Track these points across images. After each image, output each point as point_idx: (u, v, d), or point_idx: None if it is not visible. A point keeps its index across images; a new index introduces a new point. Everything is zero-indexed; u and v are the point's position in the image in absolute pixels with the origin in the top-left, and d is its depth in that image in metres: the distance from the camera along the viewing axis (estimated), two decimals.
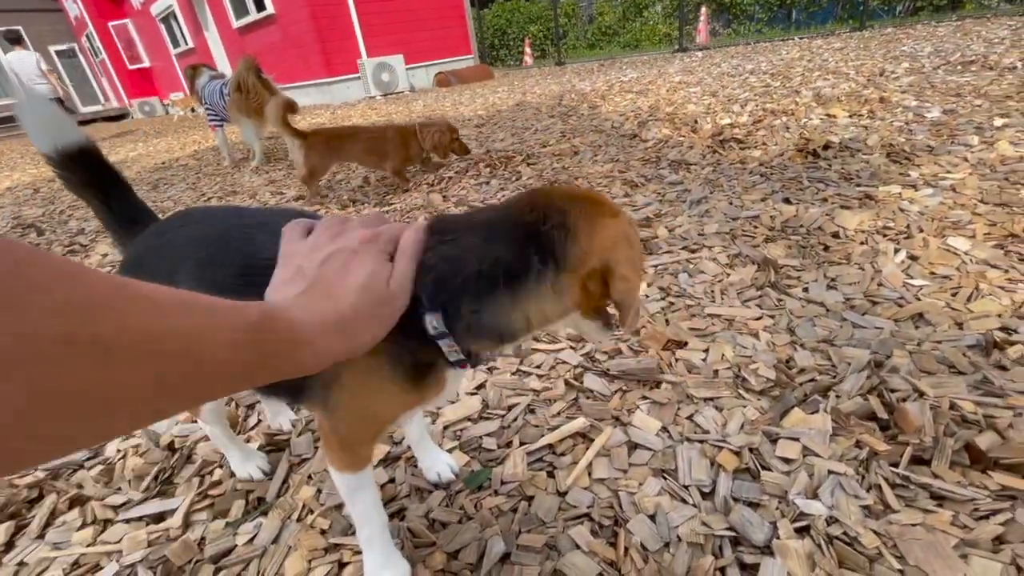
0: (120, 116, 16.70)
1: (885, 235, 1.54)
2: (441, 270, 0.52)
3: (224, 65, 11.86)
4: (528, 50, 12.59)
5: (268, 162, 4.30)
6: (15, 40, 9.20)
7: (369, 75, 9.72)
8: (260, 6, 9.96)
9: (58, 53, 18.66)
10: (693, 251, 1.66)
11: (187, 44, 13.67)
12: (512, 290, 0.52)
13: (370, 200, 2.83)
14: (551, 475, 0.96)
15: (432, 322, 0.53)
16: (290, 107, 2.88)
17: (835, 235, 1.60)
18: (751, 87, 4.00)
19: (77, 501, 1.04)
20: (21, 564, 0.92)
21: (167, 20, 14.09)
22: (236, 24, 10.82)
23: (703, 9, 10.19)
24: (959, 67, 3.48)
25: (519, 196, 0.57)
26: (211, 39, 12.32)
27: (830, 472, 0.85)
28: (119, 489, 1.07)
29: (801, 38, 7.82)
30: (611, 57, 10.67)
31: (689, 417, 1.02)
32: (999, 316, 1.14)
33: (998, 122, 2.23)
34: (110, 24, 16.51)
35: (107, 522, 0.99)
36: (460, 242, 0.53)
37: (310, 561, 0.86)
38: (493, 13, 14.31)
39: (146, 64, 16.99)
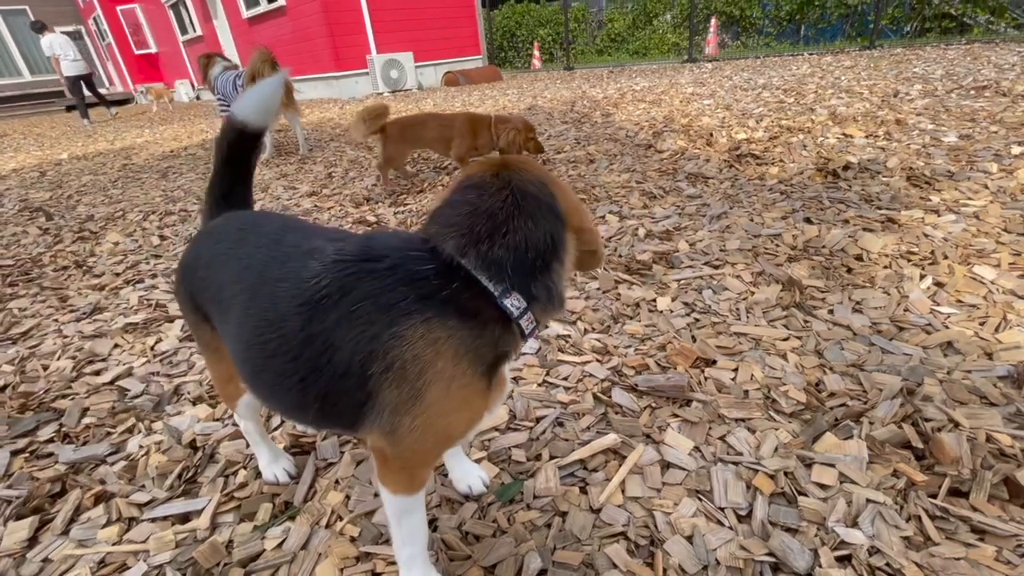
0: (124, 101, 16.59)
1: (910, 260, 1.55)
2: (499, 255, 0.58)
3: (232, 54, 11.82)
4: (537, 53, 12.60)
5: (279, 155, 4.28)
6: (42, 28, 9.76)
7: (378, 71, 9.70)
8: None
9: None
10: (716, 267, 1.66)
11: (195, 32, 13.61)
12: (560, 259, 0.63)
13: (384, 200, 2.82)
14: (584, 491, 0.95)
15: (513, 302, 0.59)
16: (379, 114, 2.88)
17: (858, 257, 1.61)
18: (765, 102, 4.02)
19: (101, 497, 1.03)
20: (46, 561, 0.91)
21: (176, 7, 14.03)
22: (246, 14, 10.78)
23: (713, 20, 10.23)
24: (972, 92, 3.50)
25: (502, 176, 0.62)
26: (220, 28, 12.27)
27: (869, 501, 0.85)
28: (143, 486, 1.06)
29: (811, 54, 7.86)
30: (620, 64, 10.69)
31: (722, 438, 1.02)
32: None
33: (1016, 150, 2.25)
34: (118, 8, 16.42)
35: (132, 520, 0.98)
36: (503, 226, 0.59)
37: (342, 570, 0.85)
38: (503, 14, 14.32)
39: (153, 50, 16.90)
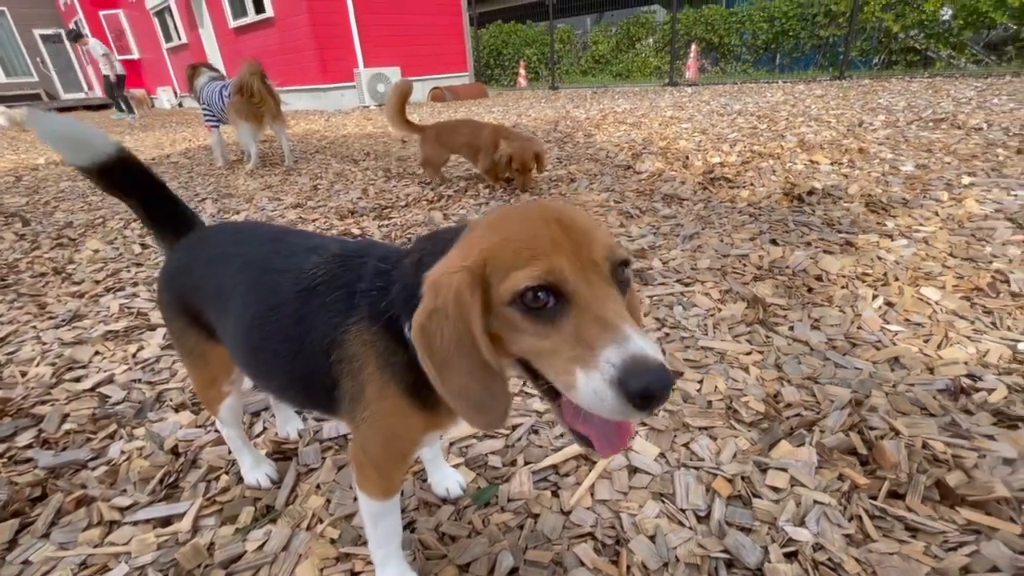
0: (104, 106, 16.34)
1: (864, 281, 1.66)
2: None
3: (217, 63, 11.80)
4: (523, 72, 12.86)
5: (264, 166, 4.30)
6: (78, 36, 10.72)
7: (364, 84, 9.79)
8: (259, 8, 9.98)
9: (43, 37, 18.24)
10: (687, 285, 1.75)
11: (180, 39, 13.55)
12: None
13: (369, 213, 2.86)
14: (555, 494, 1.01)
15: (407, 328, 0.58)
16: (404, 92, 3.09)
17: (818, 278, 1.71)
18: (739, 128, 4.19)
19: (83, 501, 1.04)
20: (26, 563, 0.92)
21: (161, 14, 13.96)
22: (233, 24, 10.80)
23: (693, 46, 10.60)
24: (930, 123, 3.72)
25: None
26: (206, 36, 12.25)
27: (815, 502, 0.92)
28: (125, 491, 1.08)
29: (785, 82, 8.21)
30: (603, 85, 10.97)
31: (685, 445, 1.09)
32: (965, 364, 1.25)
33: (965, 180, 2.41)
34: (101, 13, 16.26)
35: (114, 523, 1.00)
36: (427, 260, 0.60)
37: (322, 570, 0.89)
38: (490, 33, 14.60)
39: (136, 56, 16.73)
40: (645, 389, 0.44)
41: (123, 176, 0.86)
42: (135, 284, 2.12)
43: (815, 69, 10.18)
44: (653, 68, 12.79)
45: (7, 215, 3.25)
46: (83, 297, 2.02)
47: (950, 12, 8.48)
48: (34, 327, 1.79)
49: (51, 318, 1.85)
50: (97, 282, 2.16)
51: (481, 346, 0.50)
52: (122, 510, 1.03)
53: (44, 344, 1.67)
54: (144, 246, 2.58)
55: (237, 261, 0.78)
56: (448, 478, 1.02)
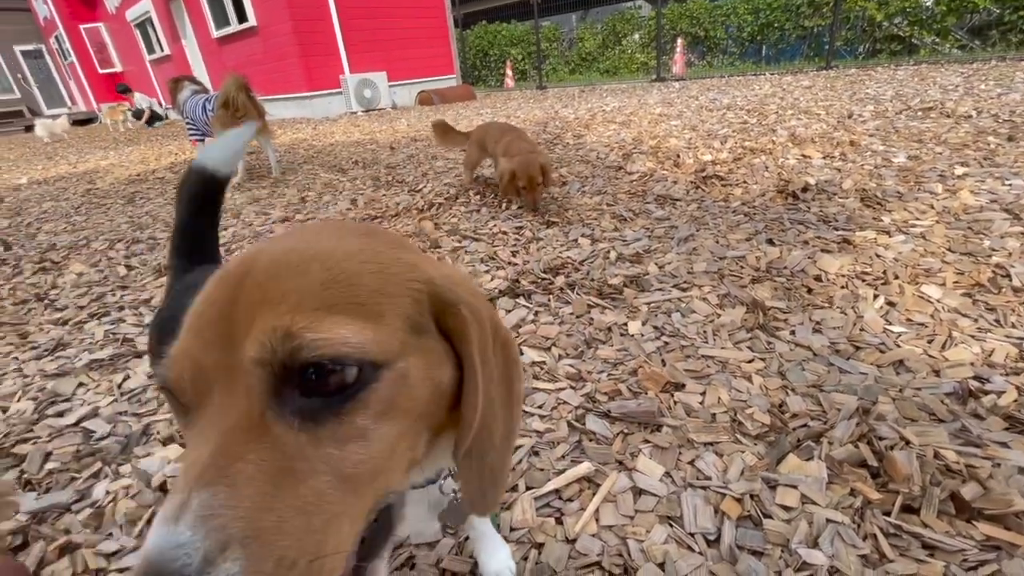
0: (88, 120, 16.17)
1: (864, 280, 1.63)
2: None
3: (201, 73, 11.69)
4: (510, 72, 12.82)
5: (250, 179, 4.24)
6: (127, 90, 13.05)
7: (351, 91, 9.72)
8: (242, 17, 9.89)
9: (24, 53, 18.04)
10: (684, 290, 1.72)
11: (163, 51, 13.42)
12: None
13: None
14: (559, 521, 0.97)
15: None
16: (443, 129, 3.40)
17: (817, 278, 1.68)
18: (729, 123, 4.17)
19: (66, 549, 1.00)
20: None
21: (143, 26, 13.82)
22: (216, 34, 10.70)
23: (679, 41, 10.60)
24: (919, 113, 3.71)
25: None
26: (188, 47, 12.13)
27: (828, 521, 0.89)
28: (110, 535, 1.03)
29: (772, 73, 8.21)
30: (591, 83, 10.95)
31: (691, 462, 1.06)
32: (972, 365, 1.22)
33: (959, 171, 2.39)
34: (82, 27, 16.09)
35: (100, 572, 0.95)
36: None
37: None
38: (476, 34, 14.55)
39: (118, 69, 16.57)
40: None
41: (216, 192, 0.89)
42: (120, 308, 2.07)
43: (801, 60, 10.20)
44: (640, 64, 12.79)
45: None
46: (67, 324, 1.96)
47: None
48: (15, 358, 1.74)
49: (33, 348, 1.80)
50: (81, 307, 2.10)
51: None
52: (108, 556, 0.98)
53: (26, 377, 1.62)
54: (129, 267, 2.52)
55: None
56: (497, 558, 0.87)
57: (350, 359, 0.34)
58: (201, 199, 0.86)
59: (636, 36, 13.26)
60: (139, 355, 1.70)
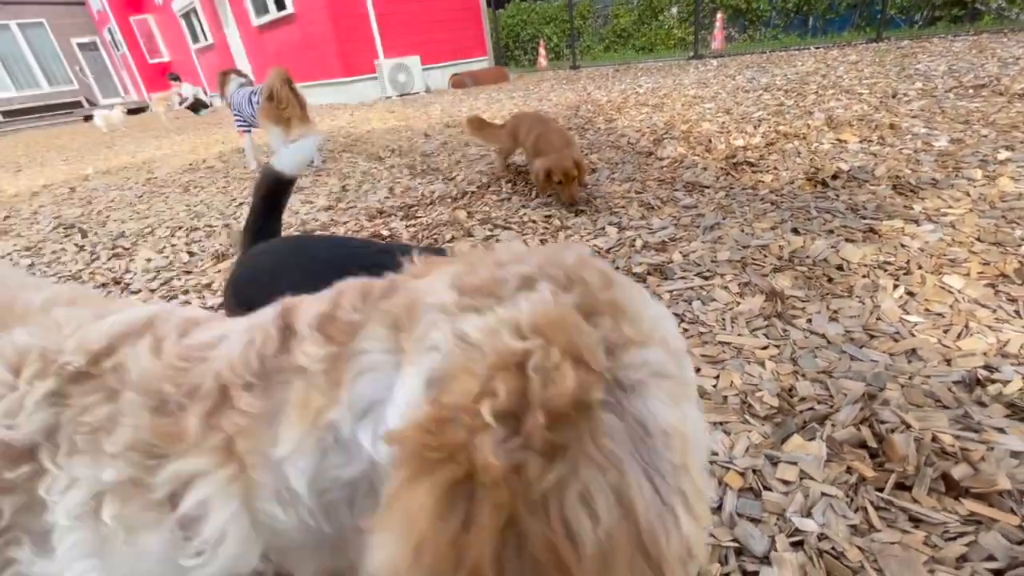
0: (140, 109, 16.99)
1: (886, 270, 1.66)
2: None
3: (242, 61, 12.10)
4: (543, 51, 12.68)
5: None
6: (176, 78, 13.07)
7: (386, 75, 9.87)
8: (280, 5, 10.14)
9: (80, 46, 18.99)
10: (706, 278, 1.79)
11: (207, 40, 13.91)
12: None
13: (396, 213, 2.97)
14: None
15: None
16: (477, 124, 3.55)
17: (839, 267, 1.72)
18: (765, 105, 4.09)
19: None
20: None
21: (188, 16, 14.34)
22: (256, 22, 11.02)
23: (719, 15, 10.22)
24: (971, 90, 3.55)
25: None
26: (231, 36, 12.54)
27: (823, 494, 0.98)
28: None
29: (817, 47, 7.86)
30: (626, 62, 10.73)
31: None
32: (984, 354, 1.26)
33: (1002, 155, 2.33)
34: (131, 19, 16.81)
35: None
36: None
37: None
38: (508, 14, 14.39)
39: (166, 59, 17.27)
40: None
41: (286, 186, 1.10)
42: (186, 292, 2.29)
43: (851, 31, 9.69)
44: (677, 40, 12.40)
45: (67, 227, 3.50)
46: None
47: None
48: None
49: None
50: (152, 291, 2.34)
51: None
52: None
53: None
54: (190, 253, 2.76)
55: (305, 266, 0.89)
56: None
57: None
58: (272, 195, 1.06)
59: (674, 10, 12.83)
60: None
